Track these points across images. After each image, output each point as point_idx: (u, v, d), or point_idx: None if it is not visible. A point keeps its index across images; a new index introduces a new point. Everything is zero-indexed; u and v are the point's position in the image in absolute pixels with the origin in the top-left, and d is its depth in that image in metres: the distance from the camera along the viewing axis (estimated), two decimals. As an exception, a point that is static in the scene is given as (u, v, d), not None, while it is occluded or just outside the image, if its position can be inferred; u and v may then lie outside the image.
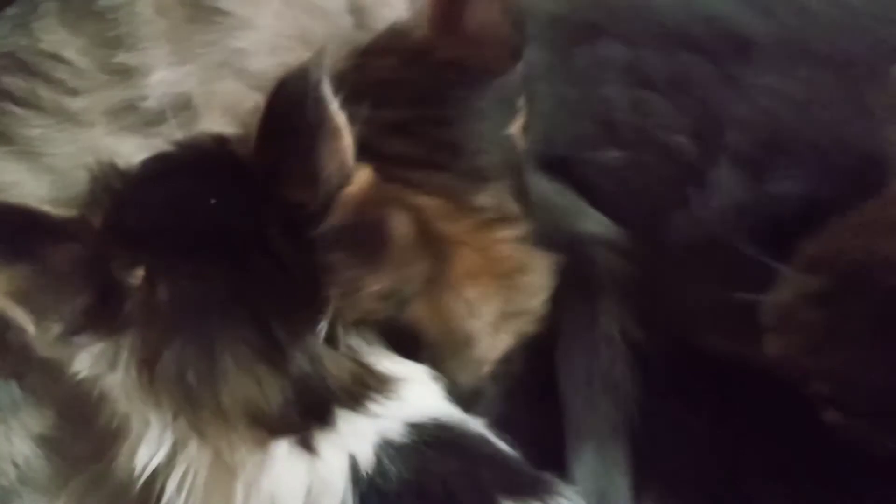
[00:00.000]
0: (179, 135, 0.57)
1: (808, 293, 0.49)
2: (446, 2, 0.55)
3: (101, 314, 0.47)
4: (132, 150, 0.60)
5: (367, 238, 0.47)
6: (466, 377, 0.52)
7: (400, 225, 0.48)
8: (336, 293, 0.47)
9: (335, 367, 0.48)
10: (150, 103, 0.63)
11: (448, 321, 0.51)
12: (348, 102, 0.50)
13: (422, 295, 0.49)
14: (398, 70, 0.55)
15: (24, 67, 0.64)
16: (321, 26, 0.66)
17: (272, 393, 0.47)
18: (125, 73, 0.64)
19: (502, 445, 0.50)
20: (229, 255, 0.48)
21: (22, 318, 0.47)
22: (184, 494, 0.48)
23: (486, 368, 0.53)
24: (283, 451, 0.47)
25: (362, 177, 0.48)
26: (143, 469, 0.48)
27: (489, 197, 0.53)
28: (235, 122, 0.60)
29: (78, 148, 0.63)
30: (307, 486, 0.47)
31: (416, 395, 0.50)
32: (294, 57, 0.63)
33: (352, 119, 0.49)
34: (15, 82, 0.64)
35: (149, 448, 0.48)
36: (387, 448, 0.47)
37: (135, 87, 0.64)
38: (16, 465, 0.58)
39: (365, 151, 0.49)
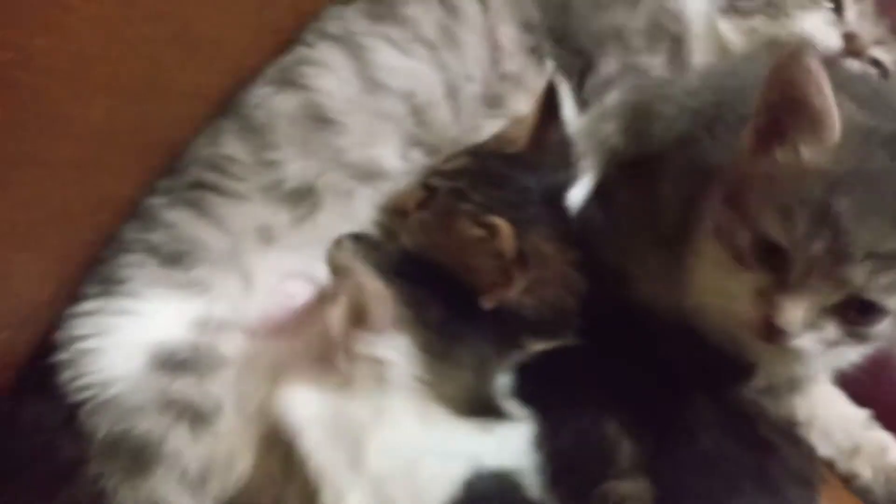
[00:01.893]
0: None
1: None
2: (539, 131, 0.87)
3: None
4: (283, 220, 0.86)
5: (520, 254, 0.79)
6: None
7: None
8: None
9: None
10: (289, 184, 0.86)
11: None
12: (476, 184, 0.83)
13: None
14: (504, 167, 0.86)
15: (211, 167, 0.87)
16: (392, 126, 0.92)
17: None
18: (271, 165, 0.86)
19: None
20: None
21: None
22: None
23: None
24: None
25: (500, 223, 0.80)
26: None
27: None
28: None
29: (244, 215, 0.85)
30: None
31: None
32: (374, 152, 0.91)
33: (481, 196, 0.82)
34: (206, 175, 0.86)
35: None
36: None
37: (278, 174, 0.86)
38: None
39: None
